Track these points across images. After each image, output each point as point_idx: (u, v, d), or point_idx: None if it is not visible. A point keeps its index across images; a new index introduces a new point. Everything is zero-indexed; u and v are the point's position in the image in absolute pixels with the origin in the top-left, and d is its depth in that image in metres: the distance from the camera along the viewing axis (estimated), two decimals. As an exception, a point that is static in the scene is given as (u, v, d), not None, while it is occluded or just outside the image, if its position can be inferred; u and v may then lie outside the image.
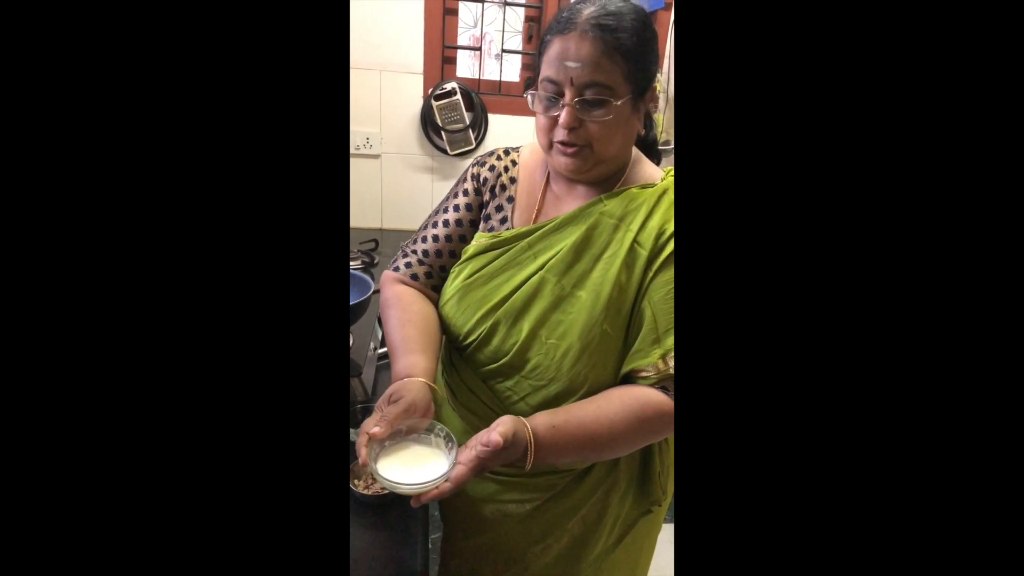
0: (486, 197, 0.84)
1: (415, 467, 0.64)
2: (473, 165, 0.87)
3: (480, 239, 0.80)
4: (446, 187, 2.02)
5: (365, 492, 0.78)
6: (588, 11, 0.67)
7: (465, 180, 0.86)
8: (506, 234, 0.78)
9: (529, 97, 0.72)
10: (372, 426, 0.63)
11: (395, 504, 0.79)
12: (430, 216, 0.90)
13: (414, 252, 0.87)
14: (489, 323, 0.76)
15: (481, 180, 0.84)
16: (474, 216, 0.85)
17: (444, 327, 0.82)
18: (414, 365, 0.74)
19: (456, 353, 0.84)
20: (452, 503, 0.89)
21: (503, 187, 0.83)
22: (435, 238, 0.86)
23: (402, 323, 0.81)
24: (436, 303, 0.88)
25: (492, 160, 0.85)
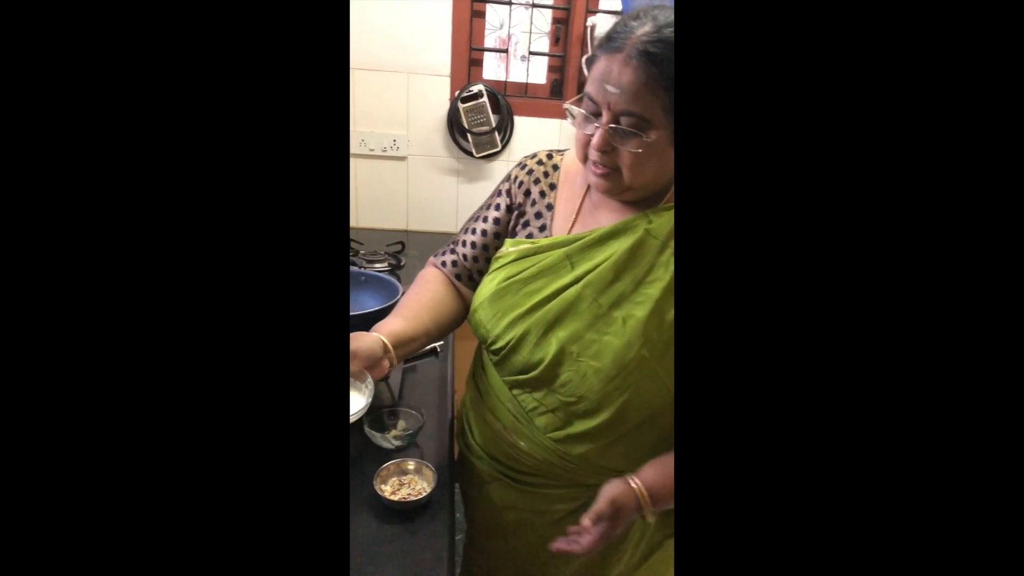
0: (523, 201, 0.83)
1: None
2: (514, 168, 0.86)
3: (518, 244, 0.79)
4: (471, 189, 2.04)
5: (392, 497, 0.79)
6: (640, 32, 0.63)
7: (506, 183, 0.86)
8: (543, 241, 0.77)
9: (569, 108, 0.70)
10: None
11: (421, 509, 0.79)
12: (471, 217, 0.91)
13: (453, 252, 0.90)
14: (519, 330, 0.75)
15: (519, 184, 0.83)
16: (512, 221, 0.85)
17: (475, 329, 0.82)
18: (385, 324, 0.81)
19: (486, 357, 0.83)
20: (478, 506, 0.89)
21: (543, 193, 0.82)
22: (472, 244, 0.87)
23: (410, 294, 0.88)
24: (465, 298, 0.89)
25: (532, 164, 0.84)
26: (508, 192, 0.85)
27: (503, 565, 0.89)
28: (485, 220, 0.87)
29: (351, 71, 1.85)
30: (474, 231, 0.88)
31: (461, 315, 0.91)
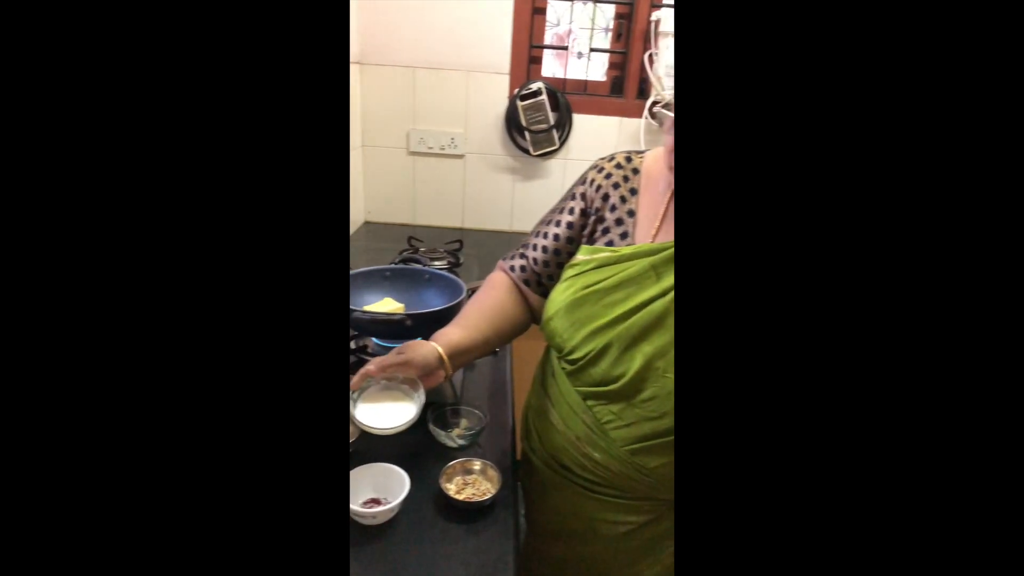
0: (601, 206, 0.79)
1: (386, 414, 0.77)
2: (590, 170, 0.82)
3: (597, 252, 0.76)
4: (527, 188, 2.03)
5: (457, 497, 0.79)
6: None
7: (580, 186, 0.82)
8: (626, 250, 0.74)
9: (660, 112, 0.69)
10: (369, 365, 0.76)
11: (485, 510, 0.79)
12: (542, 220, 0.88)
13: (523, 256, 0.88)
14: (599, 343, 0.73)
15: (596, 188, 0.80)
16: (587, 226, 0.81)
17: (549, 338, 0.80)
18: (443, 334, 0.81)
19: (557, 364, 0.82)
20: (542, 511, 0.88)
21: (623, 198, 0.78)
22: (544, 249, 0.85)
23: (473, 301, 0.88)
24: (532, 304, 0.88)
25: (610, 167, 0.80)
26: (583, 196, 0.81)
27: (565, 572, 0.88)
28: (558, 224, 0.84)
29: (412, 69, 1.87)
30: (545, 235, 0.85)
31: (525, 323, 0.90)
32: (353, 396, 0.77)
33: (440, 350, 0.78)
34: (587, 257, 0.77)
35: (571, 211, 0.83)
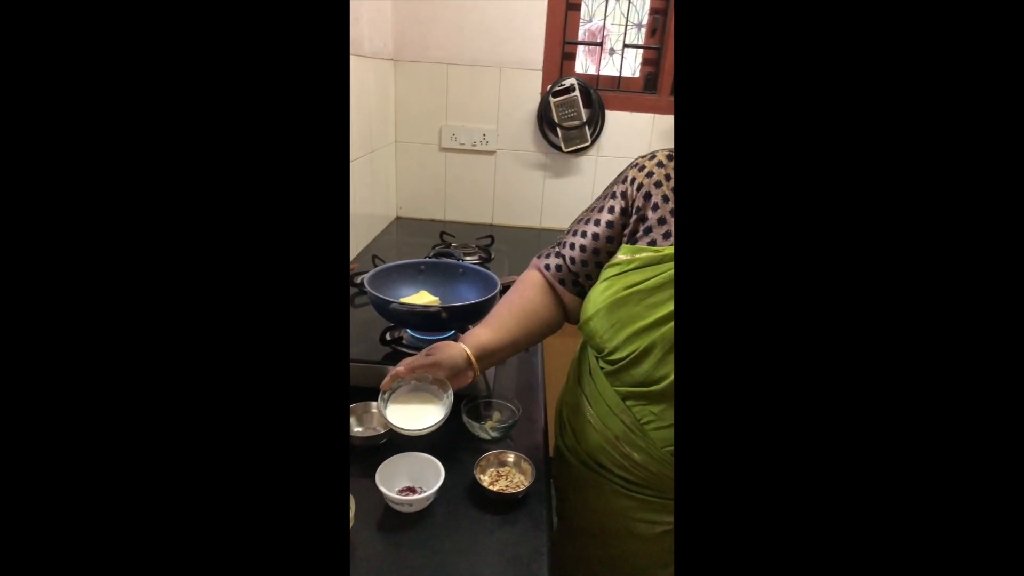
0: (642, 205, 0.78)
1: (415, 414, 0.79)
2: (630, 168, 0.81)
3: (639, 252, 0.75)
4: (558, 185, 2.03)
5: (491, 488, 0.80)
6: None
7: (620, 184, 0.81)
8: (669, 250, 0.72)
9: None
10: (399, 367, 0.78)
11: (518, 502, 0.80)
12: (579, 219, 0.87)
13: (559, 256, 0.87)
14: (641, 344, 0.72)
15: (638, 186, 0.78)
16: (627, 225, 0.80)
17: (588, 337, 0.80)
18: (473, 335, 0.82)
19: (594, 364, 0.81)
20: (576, 508, 0.88)
21: (665, 198, 0.76)
22: (581, 248, 0.84)
23: (504, 301, 0.88)
24: (567, 304, 0.87)
25: (652, 165, 0.78)
26: (624, 195, 0.79)
27: (599, 570, 0.88)
28: (597, 223, 0.83)
29: (446, 65, 1.89)
30: (584, 234, 0.84)
31: (556, 324, 0.89)
32: (384, 396, 0.79)
33: (468, 352, 0.80)
34: (628, 257, 0.76)
35: (611, 210, 0.81)
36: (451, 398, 0.80)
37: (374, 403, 0.83)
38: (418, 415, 0.79)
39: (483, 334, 0.82)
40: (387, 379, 0.78)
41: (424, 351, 0.80)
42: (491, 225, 2.07)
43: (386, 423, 0.78)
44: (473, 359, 0.80)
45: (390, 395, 0.79)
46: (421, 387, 0.81)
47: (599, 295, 0.76)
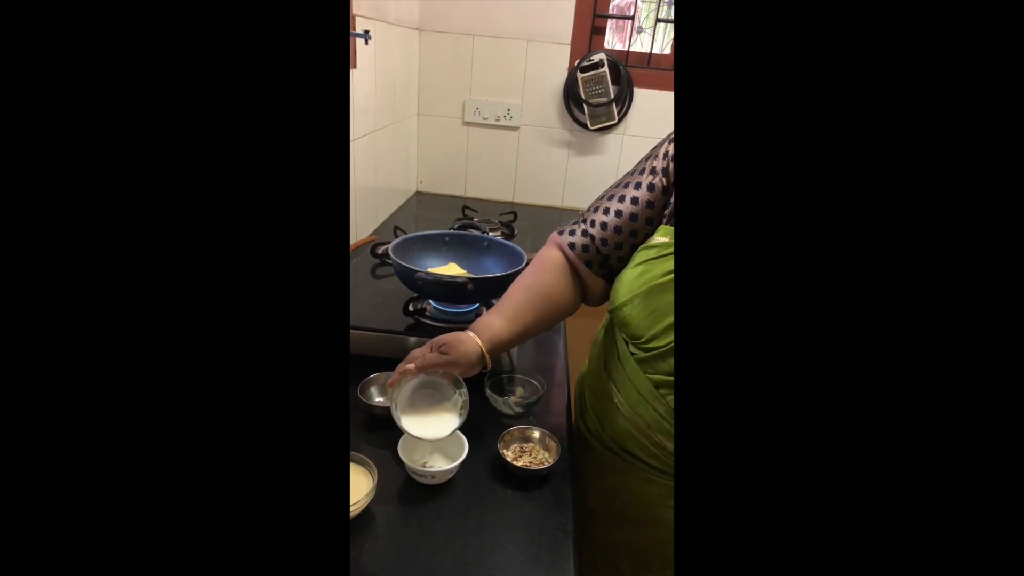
0: None
1: (430, 417, 0.77)
2: (667, 143, 0.74)
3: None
4: (581, 163, 1.99)
5: (515, 463, 0.78)
6: None
7: (658, 159, 0.74)
8: None
9: None
10: (410, 364, 0.75)
11: (541, 480, 0.78)
12: (606, 194, 0.80)
13: (585, 234, 0.80)
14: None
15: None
16: (668, 205, 0.73)
17: (621, 325, 0.76)
18: (487, 324, 0.79)
19: (624, 349, 0.78)
20: (598, 492, 0.86)
21: None
22: (616, 228, 0.77)
23: (520, 284, 0.83)
24: (589, 287, 0.83)
25: None
26: (664, 171, 0.72)
27: (619, 554, 0.86)
28: (634, 202, 0.75)
29: (472, 37, 1.84)
30: (618, 213, 0.76)
31: (573, 309, 0.85)
32: (394, 398, 0.76)
33: (483, 349, 0.77)
34: (668, 239, 0.70)
35: (650, 187, 0.74)
36: (466, 396, 0.78)
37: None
38: (433, 420, 0.77)
39: (497, 325, 0.79)
40: (395, 375, 0.76)
41: (436, 345, 0.77)
42: (512, 203, 2.04)
43: (398, 427, 0.75)
44: (487, 355, 0.78)
45: (398, 393, 0.77)
46: (430, 381, 0.79)
47: (634, 280, 0.71)
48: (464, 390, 0.79)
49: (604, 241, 0.79)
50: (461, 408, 0.78)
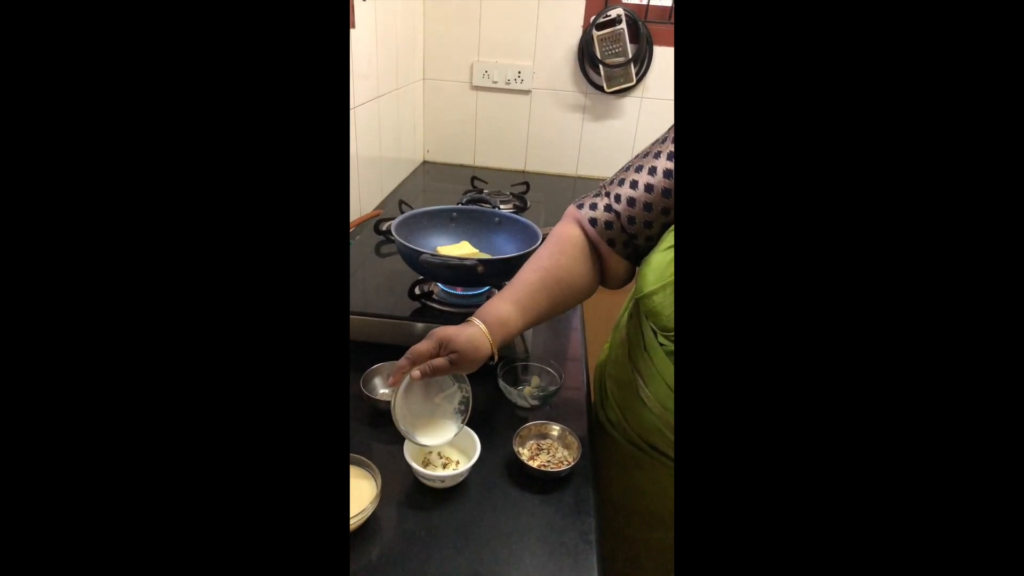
0: None
1: (432, 419, 0.72)
2: None
3: None
4: (597, 129, 1.87)
5: (531, 463, 0.71)
6: None
7: None
8: None
9: None
10: (415, 369, 0.67)
11: (562, 481, 0.72)
12: (631, 165, 0.71)
13: (608, 209, 0.71)
14: None
15: None
16: None
17: (649, 314, 0.68)
18: (497, 317, 0.70)
19: (651, 339, 0.71)
20: (621, 488, 0.80)
21: None
22: (632, 201, 0.68)
23: (534, 266, 0.74)
24: (609, 266, 0.75)
25: None
26: None
27: (641, 552, 0.80)
28: (667, 175, 0.65)
29: (480, -7, 1.72)
30: (648, 187, 0.67)
31: (592, 291, 0.77)
32: (394, 399, 0.69)
33: (493, 349, 0.70)
34: None
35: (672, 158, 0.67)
36: (468, 391, 0.73)
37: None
38: (436, 422, 0.72)
39: (508, 314, 0.71)
40: (395, 375, 0.69)
41: (442, 344, 0.69)
42: (524, 172, 1.94)
43: (399, 431, 0.69)
44: (495, 351, 0.70)
45: (397, 396, 0.69)
46: (431, 379, 0.72)
47: (665, 267, 0.63)
48: (467, 385, 0.73)
49: (632, 219, 0.70)
50: (460, 403, 0.73)
